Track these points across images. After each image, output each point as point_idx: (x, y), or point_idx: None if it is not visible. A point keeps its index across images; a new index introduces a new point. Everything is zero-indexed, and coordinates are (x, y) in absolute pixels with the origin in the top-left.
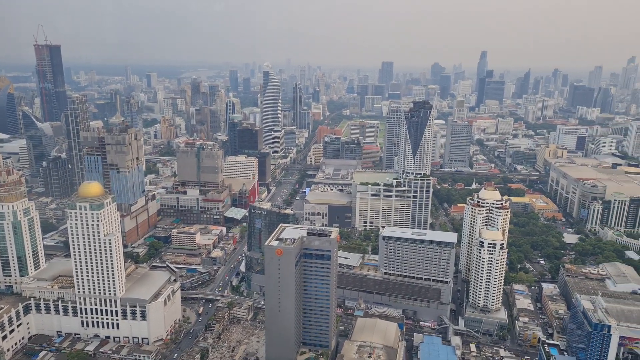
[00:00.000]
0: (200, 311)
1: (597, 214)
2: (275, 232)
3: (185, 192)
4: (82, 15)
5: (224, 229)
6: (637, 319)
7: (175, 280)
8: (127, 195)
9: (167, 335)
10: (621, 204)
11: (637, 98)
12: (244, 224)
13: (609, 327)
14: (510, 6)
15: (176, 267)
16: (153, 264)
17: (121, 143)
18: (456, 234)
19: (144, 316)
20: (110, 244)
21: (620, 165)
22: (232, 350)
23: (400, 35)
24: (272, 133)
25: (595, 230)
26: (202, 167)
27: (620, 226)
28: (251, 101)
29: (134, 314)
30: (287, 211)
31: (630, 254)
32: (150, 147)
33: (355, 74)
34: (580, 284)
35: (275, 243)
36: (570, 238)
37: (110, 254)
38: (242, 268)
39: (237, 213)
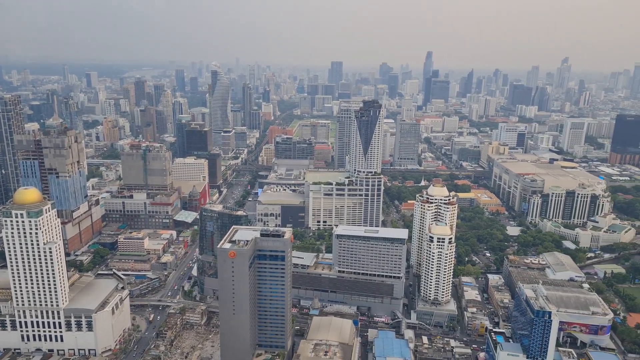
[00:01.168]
0: (151, 318)
1: (537, 206)
2: (227, 234)
3: (131, 196)
4: (13, 11)
5: (174, 233)
6: (574, 304)
7: (123, 288)
8: (68, 201)
9: (116, 345)
10: (558, 197)
11: (570, 96)
12: (195, 227)
13: (550, 313)
14: (454, 11)
15: (124, 274)
16: (99, 272)
17: (60, 146)
18: (407, 230)
19: (90, 326)
20: (50, 252)
21: (556, 160)
22: (186, 357)
23: (348, 35)
24: (222, 134)
25: (535, 222)
26: (149, 169)
27: (558, 218)
28: (199, 101)
29: (79, 324)
30: (240, 213)
31: (567, 244)
32: (93, 150)
33: (305, 74)
34: (522, 274)
35: (228, 245)
36: (513, 230)
37: (51, 263)
38: (194, 272)
39: (188, 216)
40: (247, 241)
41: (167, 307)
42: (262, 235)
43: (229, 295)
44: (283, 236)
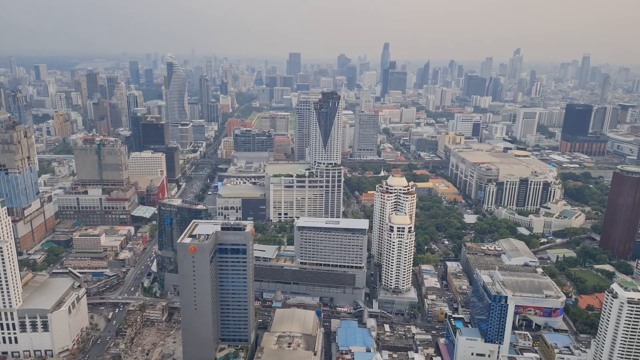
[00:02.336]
0: (109, 316)
1: (492, 194)
2: (187, 228)
3: (86, 192)
4: None
5: (132, 228)
6: (529, 288)
7: (79, 286)
8: (18, 198)
9: (74, 345)
10: (512, 185)
11: (522, 87)
12: (154, 222)
13: (506, 297)
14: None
15: (80, 272)
16: (53, 271)
17: (8, 142)
18: (367, 220)
19: (45, 327)
20: (1, 252)
21: (510, 149)
22: (147, 354)
23: (306, 26)
24: (180, 127)
25: (491, 209)
26: (104, 164)
27: (512, 205)
28: (155, 94)
29: (34, 325)
30: (200, 207)
31: (522, 230)
32: (43, 145)
33: (263, 65)
34: (479, 260)
35: (188, 240)
36: (470, 218)
37: (2, 262)
38: (154, 268)
39: (146, 211)
40: (208, 235)
41: (127, 304)
42: (222, 229)
43: (190, 291)
44: (244, 229)
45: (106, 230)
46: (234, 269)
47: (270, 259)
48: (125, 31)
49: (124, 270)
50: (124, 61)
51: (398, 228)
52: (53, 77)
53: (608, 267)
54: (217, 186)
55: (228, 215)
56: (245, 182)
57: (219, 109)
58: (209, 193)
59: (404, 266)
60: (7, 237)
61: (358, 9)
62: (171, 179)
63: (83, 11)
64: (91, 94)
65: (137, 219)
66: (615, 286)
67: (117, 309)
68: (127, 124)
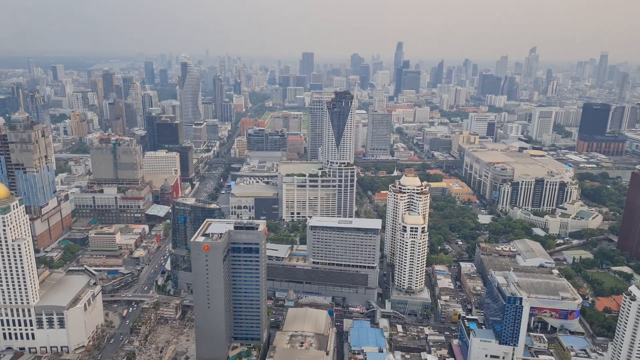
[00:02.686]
0: (124, 314)
1: (507, 195)
2: (201, 227)
3: (102, 191)
4: None
5: (147, 227)
6: (544, 290)
7: (95, 284)
8: (36, 196)
9: (90, 341)
10: (527, 185)
11: (538, 86)
12: (168, 221)
13: (521, 299)
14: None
15: (96, 270)
16: (69, 268)
17: (27, 141)
18: (380, 220)
19: (62, 323)
20: (19, 249)
21: (525, 148)
22: (161, 351)
23: (319, 26)
24: (194, 126)
25: (505, 210)
26: (119, 163)
27: (528, 205)
28: (169, 94)
29: (50, 322)
30: (213, 206)
31: (537, 231)
32: (60, 144)
33: (276, 65)
34: (494, 261)
35: (201, 239)
36: (484, 219)
37: (20, 260)
38: (168, 266)
39: (160, 210)
40: (221, 234)
41: (141, 302)
42: (235, 228)
43: (203, 289)
44: (257, 228)
45: (121, 229)
46: (246, 268)
47: (282, 258)
48: (141, 32)
49: (139, 268)
50: (139, 61)
51: (411, 228)
52: (70, 78)
53: (626, 269)
54: (230, 185)
55: (241, 214)
56: (258, 182)
57: (232, 108)
58: (222, 192)
59: (417, 266)
60: (25, 234)
61: (371, 6)
62: (185, 178)
63: (99, 12)
64: (107, 94)
65: (151, 217)
66: (633, 288)
67: (131, 307)
68: (142, 123)
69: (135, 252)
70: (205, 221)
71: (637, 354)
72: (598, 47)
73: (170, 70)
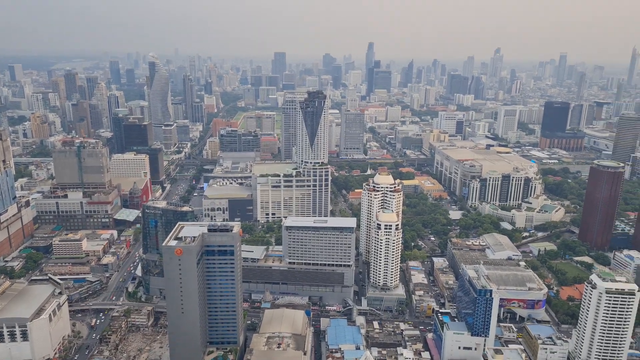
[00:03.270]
0: (93, 323)
1: (476, 191)
2: (173, 231)
3: (66, 196)
4: None
5: (115, 232)
6: (513, 282)
7: (60, 293)
8: None
9: (56, 353)
10: (495, 181)
11: (503, 85)
12: (138, 225)
13: (491, 291)
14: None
15: (61, 279)
16: (32, 278)
17: None
18: (355, 218)
19: (25, 336)
20: None
21: (492, 146)
22: None
23: (291, 26)
24: (163, 127)
25: (475, 205)
26: (85, 167)
27: (495, 200)
28: (137, 94)
29: (12, 335)
30: (185, 208)
31: (505, 225)
32: (20, 147)
33: (248, 65)
34: (465, 256)
35: (173, 243)
36: (455, 214)
37: None
38: (139, 272)
39: (129, 214)
40: (194, 237)
41: (111, 310)
42: (209, 230)
43: (176, 294)
44: (231, 230)
45: (88, 235)
46: (221, 271)
47: (258, 259)
48: (105, 30)
49: (107, 275)
50: (104, 61)
51: (385, 226)
52: (29, 78)
53: (587, 259)
54: (202, 187)
55: (215, 216)
56: (231, 183)
57: (203, 109)
58: (194, 194)
59: (392, 263)
60: None
61: (342, 6)
62: (155, 181)
63: (60, 10)
64: (70, 95)
65: (120, 222)
66: (594, 277)
67: (100, 316)
68: (108, 125)
69: (104, 259)
70: (178, 224)
71: (599, 339)
72: (558, 47)
73: (137, 70)
